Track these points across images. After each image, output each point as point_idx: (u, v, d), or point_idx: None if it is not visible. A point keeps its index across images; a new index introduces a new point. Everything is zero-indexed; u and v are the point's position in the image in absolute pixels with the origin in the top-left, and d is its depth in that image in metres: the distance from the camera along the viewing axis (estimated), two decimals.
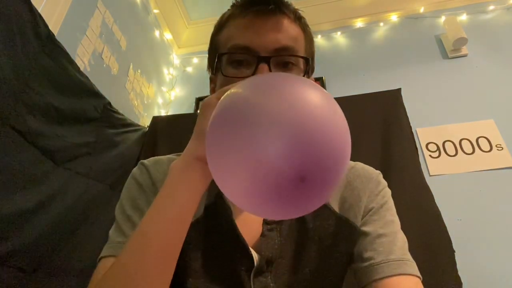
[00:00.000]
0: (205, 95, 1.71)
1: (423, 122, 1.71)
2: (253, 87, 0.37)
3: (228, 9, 0.59)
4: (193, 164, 0.43)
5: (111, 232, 0.53)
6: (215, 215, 0.55)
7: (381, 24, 2.14)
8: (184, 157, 0.45)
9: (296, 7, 0.59)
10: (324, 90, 0.39)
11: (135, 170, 0.60)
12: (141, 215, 0.44)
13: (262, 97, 0.34)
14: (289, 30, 0.54)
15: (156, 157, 0.63)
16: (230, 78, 0.52)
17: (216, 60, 0.56)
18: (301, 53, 0.56)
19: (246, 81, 0.39)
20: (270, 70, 0.51)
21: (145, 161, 0.61)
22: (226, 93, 0.39)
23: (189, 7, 2.38)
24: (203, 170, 0.42)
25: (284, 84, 0.35)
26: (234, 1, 0.59)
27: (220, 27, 0.59)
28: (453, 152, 1.62)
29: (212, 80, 0.62)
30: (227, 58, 0.54)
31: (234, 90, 0.38)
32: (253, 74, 0.50)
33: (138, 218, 0.51)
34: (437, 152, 1.64)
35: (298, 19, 0.58)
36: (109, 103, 1.44)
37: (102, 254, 0.50)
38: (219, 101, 0.38)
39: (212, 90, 0.61)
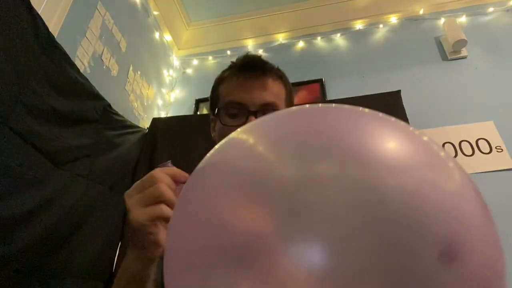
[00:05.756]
0: (205, 96, 1.71)
1: (422, 124, 1.71)
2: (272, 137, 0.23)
3: (228, 66, 0.75)
4: None
5: None
6: None
7: (381, 26, 2.14)
8: None
9: (278, 67, 0.74)
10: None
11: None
12: None
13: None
14: (272, 89, 0.69)
15: None
16: (227, 127, 0.66)
17: (216, 110, 0.71)
18: (282, 106, 0.70)
19: (253, 124, 0.30)
20: None
21: None
22: (224, 141, 0.30)
23: (189, 8, 2.38)
24: None
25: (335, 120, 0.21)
26: (231, 63, 0.75)
27: (220, 81, 0.75)
28: (453, 154, 1.62)
29: (212, 120, 0.75)
30: (224, 111, 0.69)
31: (238, 135, 0.27)
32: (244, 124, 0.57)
33: None
34: None
35: (280, 77, 0.73)
36: (109, 105, 1.44)
37: None
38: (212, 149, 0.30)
39: (213, 128, 0.75)
